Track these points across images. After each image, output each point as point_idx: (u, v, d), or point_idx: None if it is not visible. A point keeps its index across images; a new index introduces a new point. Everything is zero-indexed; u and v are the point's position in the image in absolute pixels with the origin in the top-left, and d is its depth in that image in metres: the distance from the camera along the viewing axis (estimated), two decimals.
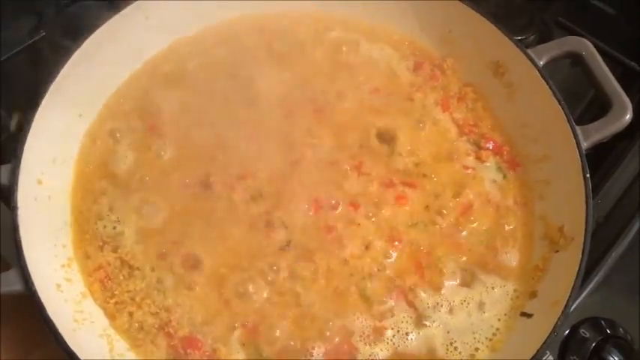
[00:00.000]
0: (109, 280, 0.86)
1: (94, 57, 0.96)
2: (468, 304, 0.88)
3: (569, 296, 0.80)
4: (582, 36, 1.06)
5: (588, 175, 0.88)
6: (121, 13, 0.99)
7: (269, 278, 0.86)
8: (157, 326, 0.83)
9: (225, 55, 1.06)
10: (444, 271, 0.89)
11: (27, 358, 0.87)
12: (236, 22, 1.09)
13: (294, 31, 1.09)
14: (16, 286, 0.76)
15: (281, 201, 0.91)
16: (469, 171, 0.98)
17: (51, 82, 0.90)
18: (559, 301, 0.81)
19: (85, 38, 0.95)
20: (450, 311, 0.87)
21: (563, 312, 0.79)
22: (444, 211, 0.94)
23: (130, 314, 0.84)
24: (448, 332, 0.85)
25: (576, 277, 0.81)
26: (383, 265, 0.89)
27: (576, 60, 0.99)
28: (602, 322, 0.94)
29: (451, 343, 0.85)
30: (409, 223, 0.92)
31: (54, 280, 0.82)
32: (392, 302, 0.86)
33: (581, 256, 0.83)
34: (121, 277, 0.87)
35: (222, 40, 1.07)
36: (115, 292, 0.85)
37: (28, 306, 0.76)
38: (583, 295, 0.95)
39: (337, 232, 0.90)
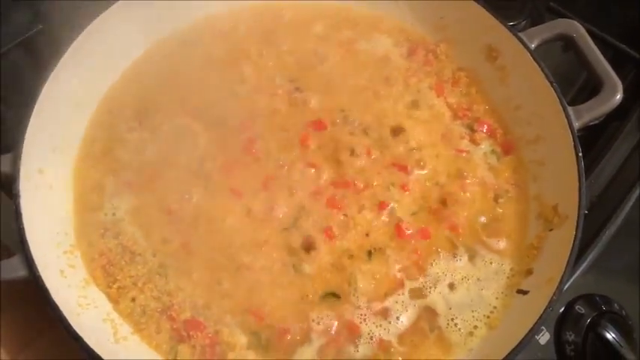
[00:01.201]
0: (111, 266, 0.88)
1: (92, 48, 0.98)
2: (468, 280, 0.89)
3: (564, 272, 0.81)
4: (574, 20, 1.08)
5: (580, 154, 0.90)
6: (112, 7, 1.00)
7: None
8: (159, 310, 0.85)
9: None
10: (440, 250, 0.91)
11: (30, 346, 0.88)
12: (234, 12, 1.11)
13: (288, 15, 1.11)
14: (21, 272, 0.77)
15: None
16: (463, 154, 1.00)
17: (50, 71, 0.92)
18: (554, 277, 0.82)
19: (82, 30, 0.97)
20: (451, 287, 0.89)
21: (558, 287, 0.81)
22: (440, 193, 0.95)
23: (133, 299, 0.86)
24: (450, 308, 0.87)
25: (570, 254, 0.83)
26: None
27: (567, 42, 1.01)
28: (597, 298, 0.96)
29: (452, 319, 0.86)
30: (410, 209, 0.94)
31: (57, 266, 0.83)
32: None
33: (574, 233, 0.84)
34: (123, 263, 0.88)
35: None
36: (118, 278, 0.87)
37: (30, 293, 0.77)
38: (578, 273, 0.97)
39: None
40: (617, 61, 1.18)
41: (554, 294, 0.80)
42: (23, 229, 0.80)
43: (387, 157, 0.98)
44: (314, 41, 1.09)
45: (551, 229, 0.91)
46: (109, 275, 0.87)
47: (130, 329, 0.84)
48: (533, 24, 1.24)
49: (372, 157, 0.97)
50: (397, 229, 0.91)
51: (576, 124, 0.93)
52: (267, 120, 1.00)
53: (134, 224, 0.91)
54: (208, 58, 1.05)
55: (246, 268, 0.87)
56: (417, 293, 0.88)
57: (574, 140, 0.91)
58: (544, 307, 0.80)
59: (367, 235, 0.91)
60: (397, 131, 1.00)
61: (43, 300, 0.75)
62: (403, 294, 0.88)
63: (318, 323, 0.85)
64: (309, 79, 1.04)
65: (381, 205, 0.93)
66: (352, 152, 0.97)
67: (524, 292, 0.87)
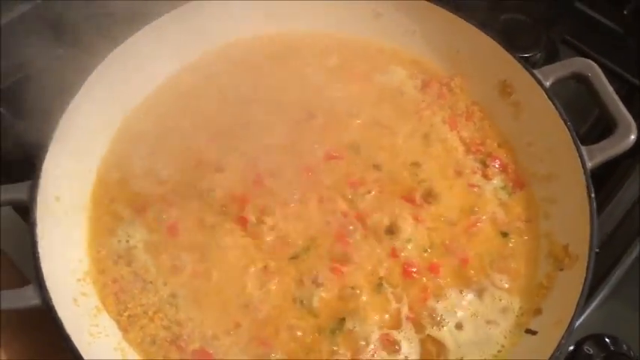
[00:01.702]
0: (123, 293, 0.89)
1: (115, 74, 1.00)
2: (477, 317, 0.89)
3: (574, 315, 0.81)
4: (589, 54, 1.08)
5: (593, 195, 0.90)
6: (151, 24, 1.02)
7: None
8: (168, 340, 0.86)
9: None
10: (449, 286, 0.91)
11: None
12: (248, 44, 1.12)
13: (302, 49, 1.12)
14: (35, 301, 0.78)
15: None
16: (475, 189, 1.00)
17: (70, 98, 0.93)
18: (563, 319, 0.82)
19: (104, 56, 0.98)
20: (460, 324, 0.88)
21: (567, 331, 0.81)
22: (451, 228, 0.96)
23: (142, 327, 0.86)
24: (459, 347, 0.87)
25: (580, 296, 0.82)
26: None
27: (582, 81, 1.01)
28: (606, 338, 0.95)
29: (461, 358, 0.86)
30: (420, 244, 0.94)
31: (71, 294, 0.84)
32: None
33: (585, 275, 0.84)
34: (135, 291, 0.89)
35: None
36: (129, 306, 0.88)
37: (36, 321, 0.78)
38: (587, 311, 0.97)
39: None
40: (632, 97, 1.18)
41: (562, 337, 0.80)
42: (38, 257, 0.81)
43: (398, 191, 0.98)
44: (327, 72, 1.09)
45: (561, 269, 0.91)
46: (121, 303, 0.88)
47: (139, 359, 0.84)
48: (548, 57, 1.25)
49: (383, 190, 0.98)
50: (405, 266, 0.91)
51: (589, 165, 0.93)
52: (280, 149, 1.00)
53: (147, 252, 0.92)
54: (229, 86, 1.07)
55: (256, 300, 0.88)
56: (424, 329, 0.88)
57: (587, 181, 0.91)
58: (553, 350, 0.80)
59: (376, 269, 0.91)
60: (409, 165, 1.01)
61: (55, 330, 0.76)
62: (411, 329, 0.88)
63: (330, 355, 0.85)
64: (321, 109, 1.05)
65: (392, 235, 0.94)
66: (363, 185, 0.98)
67: (533, 333, 0.87)
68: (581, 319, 0.94)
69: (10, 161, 1.02)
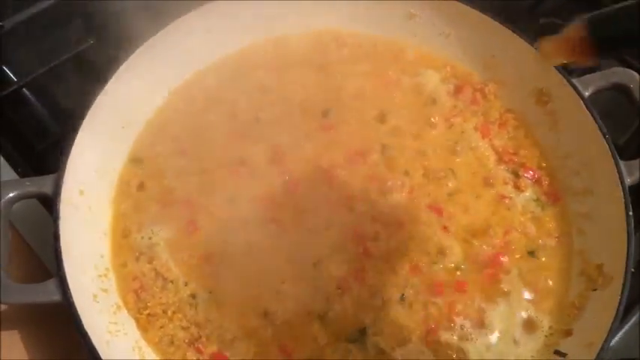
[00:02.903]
0: (143, 291, 0.88)
1: (143, 68, 0.98)
2: (504, 334, 0.86)
3: (606, 339, 0.78)
4: (630, 63, 1.04)
5: (631, 214, 0.86)
6: (171, 25, 1.01)
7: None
8: (187, 341, 0.85)
9: None
10: (477, 302, 0.88)
11: None
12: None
13: (331, 50, 1.10)
14: (55, 297, 0.78)
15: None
16: (506, 200, 0.97)
17: (97, 93, 0.93)
18: (595, 342, 0.79)
19: (133, 49, 0.97)
20: (488, 342, 0.86)
21: (598, 355, 0.77)
22: (479, 241, 0.93)
23: (162, 327, 0.85)
24: None
25: (614, 320, 0.79)
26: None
27: (623, 92, 0.97)
28: None
29: None
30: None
31: (91, 290, 0.84)
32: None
33: (619, 297, 0.81)
34: (155, 289, 0.88)
35: None
36: (149, 304, 0.87)
37: (56, 316, 0.78)
38: (620, 334, 0.92)
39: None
40: None
41: None
42: (60, 252, 0.80)
43: (426, 199, 0.95)
44: (358, 74, 1.07)
45: (594, 289, 0.87)
46: (141, 301, 0.87)
47: (157, 359, 0.84)
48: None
49: (411, 196, 0.95)
50: (436, 283, 0.89)
51: (628, 181, 0.89)
52: (301, 152, 0.98)
53: (168, 250, 0.91)
54: (259, 84, 1.05)
55: (275, 307, 0.86)
56: (451, 345, 0.86)
57: (625, 197, 0.88)
58: None
59: (400, 280, 0.89)
60: (437, 172, 0.98)
61: (74, 326, 0.76)
62: (434, 344, 0.85)
63: None
64: (349, 112, 1.03)
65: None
66: (390, 190, 0.96)
67: (562, 355, 0.84)
68: (613, 342, 0.90)
69: (36, 153, 1.01)
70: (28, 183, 0.86)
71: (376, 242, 0.91)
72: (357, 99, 1.04)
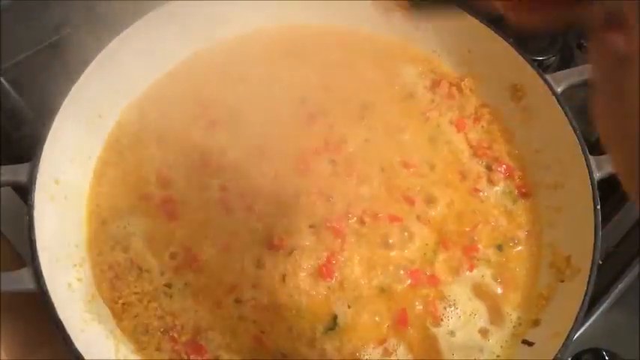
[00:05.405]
0: (118, 280, 0.88)
1: (118, 59, 0.98)
2: (472, 324, 0.88)
3: (572, 328, 0.80)
4: None
5: (599, 207, 0.88)
6: (147, 16, 1.00)
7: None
8: (161, 330, 0.85)
9: None
10: (447, 294, 0.90)
11: (30, 358, 0.88)
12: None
13: (306, 44, 1.10)
14: (29, 285, 0.77)
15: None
16: (479, 194, 0.98)
17: (74, 80, 0.92)
18: (561, 332, 0.81)
19: (111, 39, 0.97)
20: (454, 331, 0.88)
21: (564, 344, 0.79)
22: (451, 233, 0.94)
23: (136, 316, 0.86)
24: (453, 354, 0.86)
25: (579, 310, 0.81)
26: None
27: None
28: (605, 353, 0.94)
29: None
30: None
31: (65, 279, 0.84)
32: None
33: (585, 289, 0.83)
34: (130, 278, 0.88)
35: None
36: (123, 293, 0.87)
37: (33, 304, 0.78)
38: (586, 324, 0.95)
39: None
40: None
41: (559, 350, 0.79)
42: (35, 241, 0.80)
43: (399, 191, 0.96)
44: (332, 67, 1.07)
45: (562, 281, 0.90)
46: (116, 290, 0.87)
47: (132, 348, 0.84)
48: (562, 61, 1.22)
49: (383, 189, 0.97)
50: (413, 274, 0.90)
51: (597, 175, 0.91)
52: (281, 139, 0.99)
53: (144, 240, 0.91)
54: (244, 76, 1.05)
55: (249, 295, 0.87)
56: (420, 333, 0.87)
57: (593, 191, 0.89)
58: None
59: (373, 272, 0.90)
60: (411, 166, 0.99)
61: (48, 315, 0.76)
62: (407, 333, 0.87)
63: (323, 355, 0.84)
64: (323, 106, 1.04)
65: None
66: (364, 184, 0.97)
67: (530, 344, 0.86)
68: (580, 332, 0.93)
69: (11, 141, 1.01)
70: (2, 171, 0.85)
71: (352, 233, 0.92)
72: (334, 91, 1.04)
